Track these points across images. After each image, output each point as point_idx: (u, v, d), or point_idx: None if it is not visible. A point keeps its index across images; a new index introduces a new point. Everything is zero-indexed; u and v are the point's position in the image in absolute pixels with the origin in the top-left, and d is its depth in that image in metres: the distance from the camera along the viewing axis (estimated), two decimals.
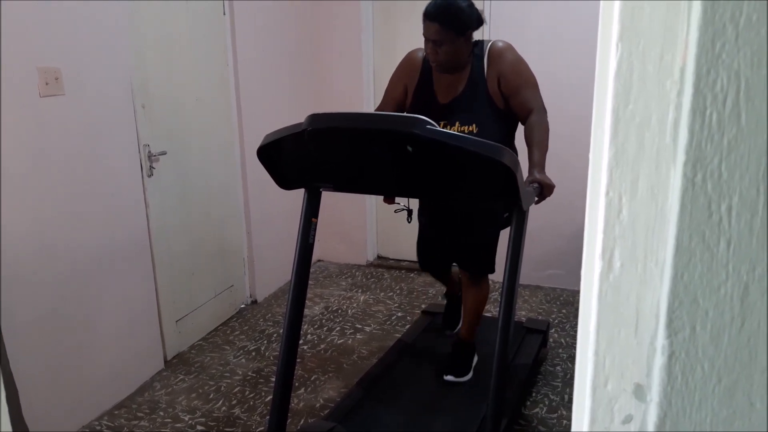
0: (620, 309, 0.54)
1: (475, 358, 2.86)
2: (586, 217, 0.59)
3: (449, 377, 2.75)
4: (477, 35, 2.46)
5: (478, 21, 2.35)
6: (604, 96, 0.53)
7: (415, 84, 2.53)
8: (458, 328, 2.94)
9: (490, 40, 2.46)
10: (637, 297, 0.53)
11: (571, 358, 3.26)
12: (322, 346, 3.46)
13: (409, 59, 2.58)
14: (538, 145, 2.31)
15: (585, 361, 0.59)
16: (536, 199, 2.22)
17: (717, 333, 0.51)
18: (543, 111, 2.38)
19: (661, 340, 0.53)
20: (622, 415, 0.56)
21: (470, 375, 2.79)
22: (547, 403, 2.86)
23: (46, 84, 2.43)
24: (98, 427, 2.71)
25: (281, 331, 3.61)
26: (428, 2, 2.34)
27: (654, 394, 0.54)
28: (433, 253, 2.89)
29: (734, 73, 0.47)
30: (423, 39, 2.37)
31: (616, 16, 0.51)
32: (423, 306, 3.92)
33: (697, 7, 0.47)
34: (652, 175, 0.51)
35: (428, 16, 2.30)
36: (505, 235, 2.27)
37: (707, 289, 0.51)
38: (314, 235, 2.16)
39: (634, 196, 0.52)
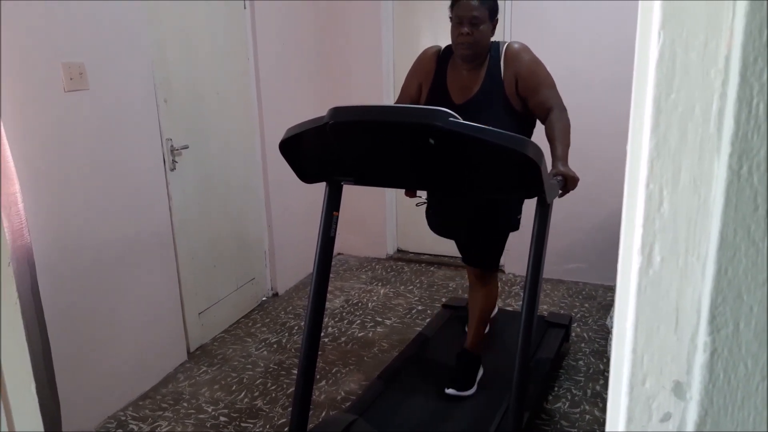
0: (660, 305, 0.53)
1: (480, 371, 2.73)
2: (624, 210, 0.57)
3: (451, 390, 2.60)
4: (499, 31, 2.45)
5: (498, 10, 2.40)
6: (644, 85, 0.52)
7: (430, 83, 2.52)
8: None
9: (506, 42, 2.45)
10: (678, 293, 0.52)
11: (594, 353, 3.23)
12: (343, 339, 3.47)
13: (423, 56, 2.57)
14: (560, 139, 2.28)
15: (621, 358, 0.57)
16: (560, 192, 2.20)
17: (761, 330, 0.50)
18: (563, 109, 2.36)
19: (702, 336, 0.51)
20: (661, 413, 0.55)
21: (474, 389, 2.65)
22: (569, 397, 2.83)
23: (71, 79, 2.45)
24: (123, 418, 2.75)
25: (302, 323, 3.62)
26: None
27: (694, 392, 0.53)
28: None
29: None
30: (443, 29, 2.36)
31: (657, 3, 0.49)
32: (443, 299, 3.91)
33: None
34: (695, 167, 0.49)
35: None
36: (525, 229, 2.25)
37: (752, 285, 0.49)
38: (335, 229, 2.16)
39: (676, 189, 0.50)
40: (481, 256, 2.67)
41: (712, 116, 0.48)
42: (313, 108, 4.08)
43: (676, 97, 0.49)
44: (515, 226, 2.59)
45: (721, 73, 0.47)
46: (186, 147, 3.16)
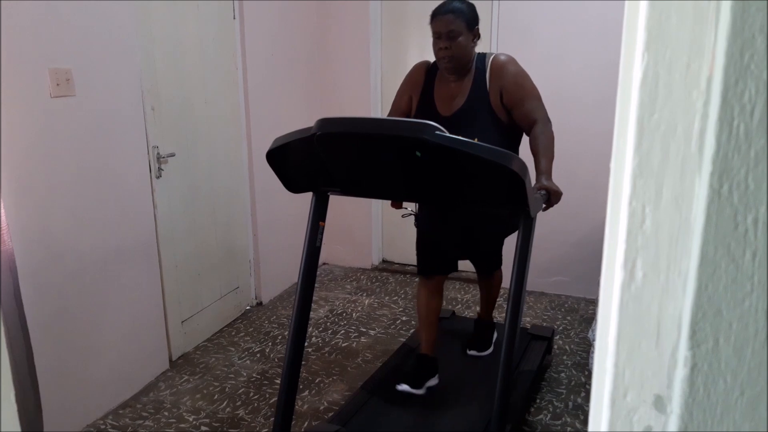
0: (641, 320, 0.54)
1: (495, 334, 3.14)
2: (607, 226, 0.58)
3: (472, 351, 3.02)
4: (485, 35, 2.48)
5: (477, 20, 2.43)
6: (628, 105, 0.53)
7: (419, 96, 2.55)
8: (424, 387, 2.67)
9: (492, 54, 2.48)
10: (659, 308, 0.53)
11: (576, 365, 3.25)
12: (327, 349, 3.46)
13: (414, 70, 2.62)
14: (545, 153, 2.31)
15: (603, 372, 0.58)
16: (543, 206, 2.22)
17: (741, 345, 0.51)
18: (547, 121, 2.39)
19: (683, 351, 0.52)
20: (642, 426, 0.56)
21: (491, 349, 3.07)
22: (551, 410, 2.85)
23: (57, 85, 2.44)
24: (103, 426, 2.71)
25: (286, 333, 3.61)
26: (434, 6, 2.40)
27: (675, 406, 0.54)
28: (436, 257, 2.84)
29: (763, 83, 0.46)
30: (430, 43, 2.40)
31: (641, 25, 0.50)
32: None
33: (725, 17, 0.47)
34: (677, 185, 0.50)
35: (440, 11, 2.36)
36: (509, 242, 2.28)
37: (732, 301, 0.50)
38: (321, 239, 2.16)
39: (658, 206, 0.51)
40: (486, 260, 2.89)
41: (693, 136, 0.49)
42: (300, 118, 4.09)
43: (658, 117, 0.50)
44: (514, 228, 2.61)
45: (703, 95, 0.49)
46: (172, 155, 3.15)
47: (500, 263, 2.92)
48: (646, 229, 0.52)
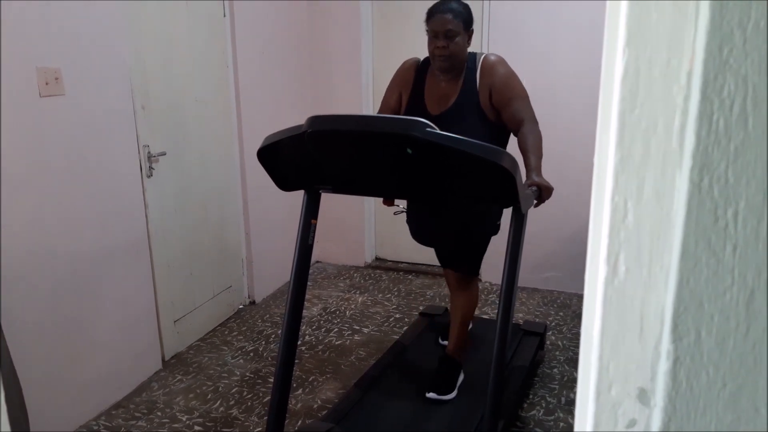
0: (625, 314, 0.54)
1: (461, 377, 2.76)
2: (591, 221, 0.58)
3: (431, 394, 2.63)
4: (476, 35, 2.49)
5: (473, 22, 2.43)
6: (610, 100, 0.53)
7: (409, 93, 2.56)
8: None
9: (482, 54, 2.50)
10: (642, 302, 0.53)
11: (568, 361, 3.26)
12: (320, 347, 3.46)
13: (402, 68, 2.62)
14: (534, 150, 2.33)
15: (588, 366, 0.58)
16: (535, 202, 2.23)
17: (722, 338, 0.51)
18: (534, 121, 2.41)
19: (666, 344, 0.53)
20: (626, 419, 0.56)
21: (454, 393, 2.67)
22: (544, 405, 2.86)
23: (46, 84, 2.42)
24: (96, 427, 2.71)
25: (279, 331, 3.61)
26: (429, 5, 2.40)
27: (658, 399, 0.54)
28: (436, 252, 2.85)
29: (742, 78, 0.47)
30: (421, 42, 2.40)
31: (622, 21, 0.50)
32: (421, 308, 3.92)
33: (704, 13, 0.47)
34: (658, 180, 0.51)
35: (439, 9, 2.36)
36: (501, 238, 2.28)
37: (713, 294, 0.51)
38: (313, 237, 2.16)
39: (640, 201, 0.52)
40: (463, 260, 2.70)
41: (674, 131, 0.50)
42: (292, 116, 4.08)
43: (639, 112, 0.50)
44: (495, 231, 2.63)
45: (683, 90, 0.49)
46: (163, 154, 3.14)
47: (476, 270, 2.75)
48: (629, 223, 0.53)
